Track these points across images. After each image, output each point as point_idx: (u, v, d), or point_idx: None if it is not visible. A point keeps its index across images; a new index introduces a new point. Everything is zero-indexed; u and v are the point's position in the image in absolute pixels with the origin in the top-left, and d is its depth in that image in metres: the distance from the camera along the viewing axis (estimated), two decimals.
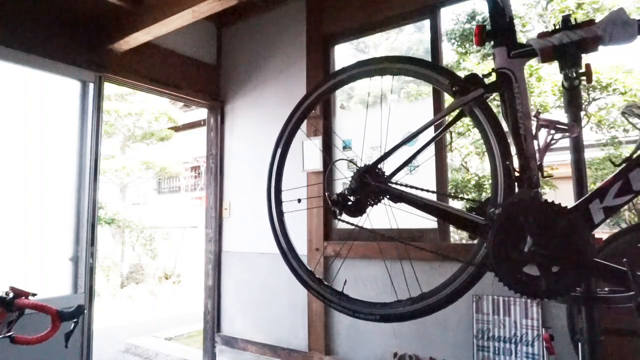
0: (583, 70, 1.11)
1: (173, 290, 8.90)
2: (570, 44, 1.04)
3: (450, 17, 5.90)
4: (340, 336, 2.79)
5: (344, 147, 2.88)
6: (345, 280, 1.36)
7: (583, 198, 1.02)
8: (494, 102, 3.28)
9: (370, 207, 1.23)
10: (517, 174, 1.08)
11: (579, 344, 1.38)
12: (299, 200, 1.43)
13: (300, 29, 3.15)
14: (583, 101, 4.87)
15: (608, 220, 0.99)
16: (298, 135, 1.47)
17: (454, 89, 1.17)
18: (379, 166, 1.23)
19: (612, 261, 0.93)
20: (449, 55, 5.80)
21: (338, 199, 1.22)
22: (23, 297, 1.36)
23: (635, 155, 0.97)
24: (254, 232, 3.28)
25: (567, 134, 1.09)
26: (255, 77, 3.43)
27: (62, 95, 2.73)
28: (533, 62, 2.57)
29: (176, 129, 10.12)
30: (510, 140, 1.12)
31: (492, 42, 1.16)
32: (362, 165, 1.24)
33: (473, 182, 5.27)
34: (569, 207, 0.99)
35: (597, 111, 5.13)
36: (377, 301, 1.26)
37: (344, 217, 1.24)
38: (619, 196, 0.95)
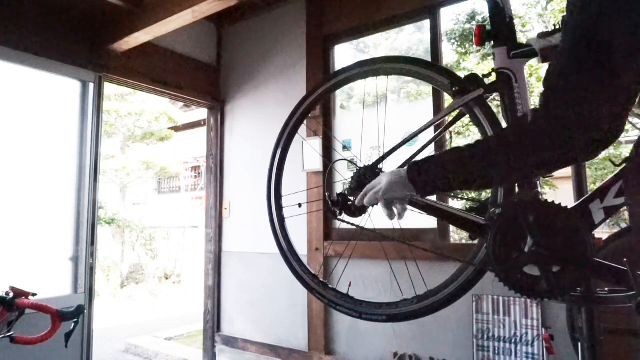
0: None
1: (173, 290, 8.90)
2: None
3: (450, 17, 5.91)
4: (340, 336, 2.79)
5: (344, 148, 2.87)
6: (350, 282, 1.36)
7: (583, 198, 1.02)
8: (494, 102, 3.28)
9: (370, 207, 1.23)
10: None
11: (579, 344, 1.38)
12: (300, 205, 1.43)
13: (300, 29, 3.15)
14: None
15: (608, 220, 0.99)
16: (298, 135, 1.47)
17: (454, 89, 1.17)
18: (378, 166, 1.23)
19: (612, 261, 0.93)
20: (449, 55, 5.80)
21: (338, 199, 1.22)
22: (23, 297, 1.36)
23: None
24: (254, 232, 3.28)
25: None
26: (255, 77, 3.43)
27: (62, 95, 2.73)
28: (533, 62, 2.56)
29: (176, 129, 10.13)
30: None
31: (492, 42, 1.16)
32: (362, 166, 1.24)
33: None
34: (569, 207, 0.99)
35: None
36: (380, 301, 1.26)
37: (345, 217, 1.24)
38: (620, 196, 0.95)
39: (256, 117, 3.41)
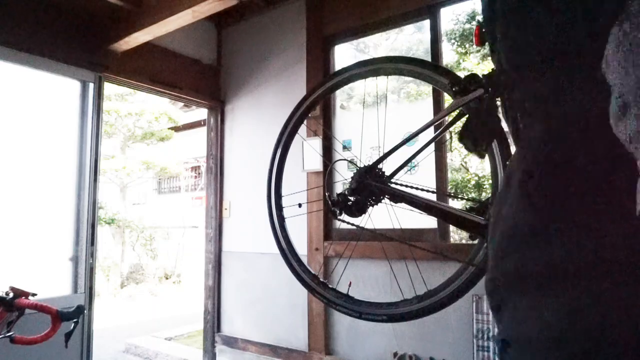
0: None
1: (173, 290, 8.90)
2: None
3: (450, 17, 5.89)
4: (340, 336, 2.79)
5: (344, 148, 2.87)
6: (350, 282, 1.36)
7: None
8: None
9: (370, 207, 1.23)
10: None
11: None
12: (300, 205, 1.43)
13: (300, 29, 3.15)
14: None
15: None
16: (298, 135, 1.47)
17: (454, 89, 1.17)
18: (379, 166, 1.23)
19: None
20: (449, 55, 5.80)
21: (338, 199, 1.22)
22: (23, 297, 1.36)
23: None
24: (254, 232, 3.28)
25: None
26: (255, 77, 3.43)
27: (62, 95, 2.73)
28: None
29: (176, 129, 10.12)
30: (510, 140, 1.12)
31: None
32: (362, 166, 1.24)
33: (473, 182, 5.27)
34: None
35: None
36: (380, 301, 1.26)
37: (345, 217, 1.24)
38: None
39: (256, 117, 3.41)
